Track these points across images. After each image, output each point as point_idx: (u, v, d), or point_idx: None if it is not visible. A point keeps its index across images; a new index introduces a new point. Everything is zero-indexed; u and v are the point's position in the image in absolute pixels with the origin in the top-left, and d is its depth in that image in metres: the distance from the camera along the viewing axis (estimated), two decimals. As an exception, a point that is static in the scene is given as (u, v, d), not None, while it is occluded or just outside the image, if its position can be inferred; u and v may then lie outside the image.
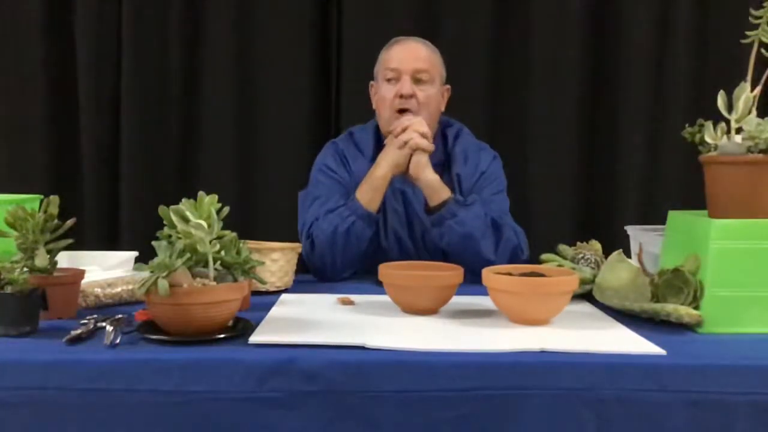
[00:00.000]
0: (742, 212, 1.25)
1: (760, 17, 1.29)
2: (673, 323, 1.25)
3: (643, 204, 2.65)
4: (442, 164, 1.88)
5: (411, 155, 1.75)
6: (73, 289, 1.32)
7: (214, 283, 1.17)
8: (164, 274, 1.10)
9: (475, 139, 1.97)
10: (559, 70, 2.64)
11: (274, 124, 2.68)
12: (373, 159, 1.86)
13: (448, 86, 1.94)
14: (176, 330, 1.14)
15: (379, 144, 1.90)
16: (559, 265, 1.51)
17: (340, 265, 1.73)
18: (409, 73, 1.83)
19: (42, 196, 1.44)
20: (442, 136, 1.93)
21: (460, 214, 1.69)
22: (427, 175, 1.74)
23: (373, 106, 1.95)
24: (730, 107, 1.29)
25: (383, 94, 1.87)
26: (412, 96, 1.82)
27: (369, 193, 1.74)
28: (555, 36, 2.63)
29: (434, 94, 1.87)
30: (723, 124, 1.31)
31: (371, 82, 1.96)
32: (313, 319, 1.28)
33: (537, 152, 2.67)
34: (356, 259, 1.75)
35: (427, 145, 1.75)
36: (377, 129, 1.93)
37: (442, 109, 1.94)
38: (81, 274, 1.34)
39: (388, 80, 1.86)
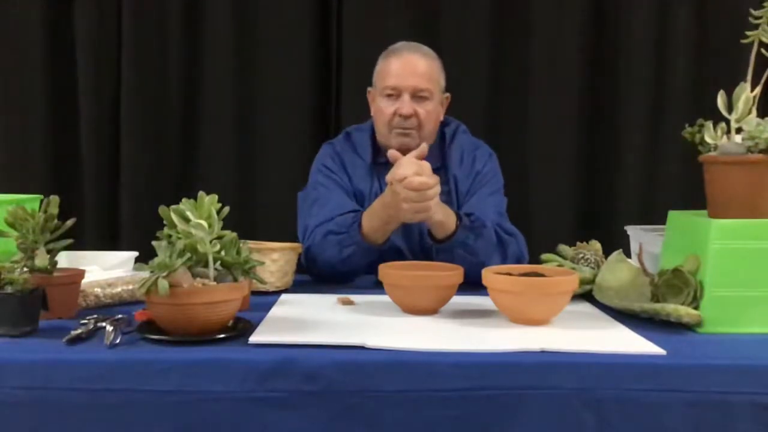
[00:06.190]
0: (742, 212, 1.25)
1: (760, 17, 1.29)
2: (673, 323, 1.25)
3: (643, 204, 2.65)
4: (439, 166, 1.86)
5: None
6: (73, 289, 1.32)
7: (214, 283, 1.17)
8: (164, 274, 1.10)
9: (472, 137, 1.95)
10: (559, 70, 2.64)
11: (274, 125, 2.68)
12: (372, 163, 1.85)
13: (448, 95, 1.89)
14: (176, 330, 1.14)
15: (376, 148, 1.88)
16: (559, 265, 1.51)
17: (340, 279, 1.71)
18: (408, 91, 1.77)
19: (42, 196, 1.44)
20: (439, 135, 1.90)
21: (469, 242, 1.61)
22: (433, 217, 1.60)
23: (371, 113, 1.91)
24: (730, 107, 1.29)
25: (381, 107, 1.81)
26: (411, 116, 1.77)
27: (378, 233, 1.65)
28: (555, 36, 2.64)
29: (434, 109, 1.81)
30: (723, 124, 1.31)
31: (369, 88, 1.92)
32: (313, 319, 1.28)
33: (537, 152, 2.67)
34: (358, 273, 1.72)
35: (436, 191, 1.56)
36: (374, 132, 1.90)
37: (441, 118, 1.89)
38: (81, 274, 1.34)
39: (388, 96, 1.80)
